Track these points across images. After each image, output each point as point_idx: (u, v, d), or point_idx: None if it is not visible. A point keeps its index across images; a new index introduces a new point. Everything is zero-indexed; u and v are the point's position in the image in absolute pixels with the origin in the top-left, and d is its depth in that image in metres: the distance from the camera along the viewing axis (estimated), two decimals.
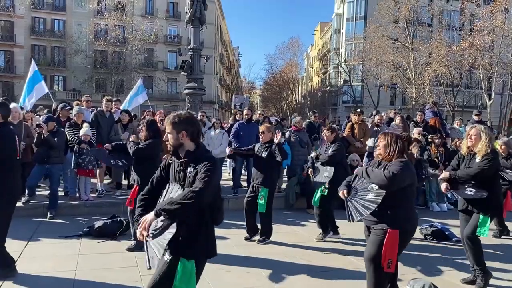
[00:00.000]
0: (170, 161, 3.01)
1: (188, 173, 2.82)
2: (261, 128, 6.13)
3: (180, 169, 2.88)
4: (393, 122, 10.48)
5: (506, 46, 32.32)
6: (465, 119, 13.57)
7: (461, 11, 36.86)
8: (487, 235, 4.53)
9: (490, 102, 31.11)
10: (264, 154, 5.91)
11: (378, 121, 9.94)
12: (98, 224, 6.13)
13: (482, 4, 33.10)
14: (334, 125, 7.53)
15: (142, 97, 12.82)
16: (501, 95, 36.13)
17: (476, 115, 11.69)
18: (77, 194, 7.72)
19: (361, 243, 6.01)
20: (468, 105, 40.39)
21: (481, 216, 4.41)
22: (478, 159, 4.45)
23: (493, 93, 32.37)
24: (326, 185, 6.11)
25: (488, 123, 20.65)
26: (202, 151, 2.94)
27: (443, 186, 4.71)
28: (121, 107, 10.30)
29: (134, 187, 5.36)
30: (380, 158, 3.73)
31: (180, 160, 2.89)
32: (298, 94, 68.86)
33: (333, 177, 6.02)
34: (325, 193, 6.14)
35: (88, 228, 6.19)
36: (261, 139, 6.08)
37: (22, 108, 8.53)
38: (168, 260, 2.77)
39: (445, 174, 4.74)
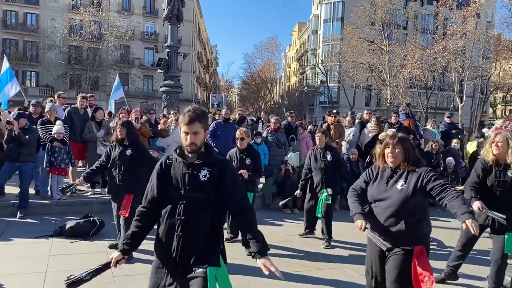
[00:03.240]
0: (169, 163, 2.61)
1: (201, 177, 2.48)
2: (240, 134, 5.87)
3: (189, 173, 2.50)
4: (368, 124, 10.63)
5: (477, 50, 33.28)
6: (438, 121, 13.88)
7: (435, 15, 37.70)
8: None
9: (462, 104, 31.96)
10: (248, 161, 5.79)
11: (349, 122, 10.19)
12: (70, 224, 6.00)
13: (455, 9, 33.89)
14: (325, 129, 7.59)
15: (118, 94, 12.61)
16: (472, 97, 37.20)
17: (447, 117, 11.98)
18: (49, 193, 7.53)
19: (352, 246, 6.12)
20: (440, 107, 41.37)
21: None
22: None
23: (464, 96, 33.27)
24: (329, 192, 6.09)
25: (459, 125, 21.22)
26: (214, 152, 2.63)
27: (476, 205, 3.86)
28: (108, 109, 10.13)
29: (128, 195, 5.09)
30: (393, 165, 3.19)
31: (192, 162, 2.51)
32: (275, 94, 69.03)
33: (334, 184, 6.19)
34: (329, 201, 6.12)
35: (59, 228, 6.05)
36: (238, 145, 5.86)
37: None
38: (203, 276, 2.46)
39: (477, 205, 3.87)
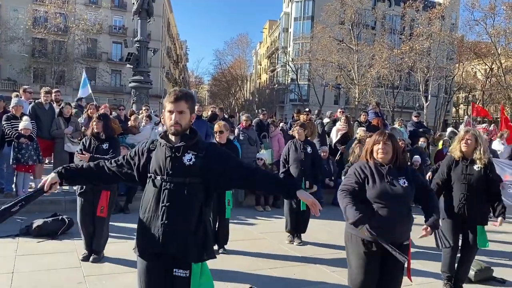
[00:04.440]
0: (152, 147, 2.48)
1: (186, 161, 2.37)
2: (219, 127, 5.49)
3: (171, 156, 2.38)
4: (338, 122, 10.81)
5: (442, 51, 34.41)
6: (404, 119, 14.26)
7: (402, 16, 38.70)
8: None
9: (427, 103, 33.00)
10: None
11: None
12: (37, 222, 5.81)
13: (421, 11, 34.88)
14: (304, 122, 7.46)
15: (85, 91, 12.21)
16: (436, 97, 38.44)
17: (415, 116, 12.32)
18: (14, 191, 7.28)
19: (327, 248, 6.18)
20: (406, 106, 42.54)
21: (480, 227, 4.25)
22: (479, 167, 4.20)
23: (429, 95, 34.33)
24: (307, 185, 6.05)
25: (424, 123, 21.84)
26: (199, 136, 2.50)
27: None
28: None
29: (105, 192, 4.83)
30: (384, 161, 3.19)
31: (176, 145, 2.40)
32: (246, 91, 69.01)
33: (312, 177, 6.15)
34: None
35: (26, 227, 5.86)
36: (217, 139, 5.48)
37: None
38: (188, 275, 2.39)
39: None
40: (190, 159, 2.37)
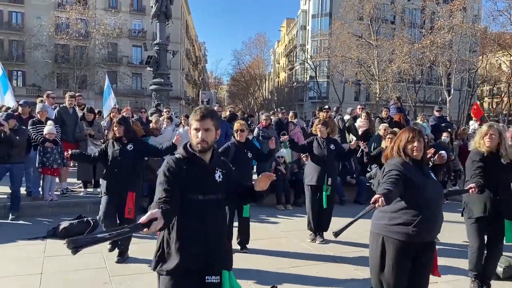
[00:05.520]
0: (182, 165, 2.42)
1: (217, 177, 2.47)
2: (240, 126, 5.54)
3: (207, 174, 2.45)
4: (358, 119, 10.71)
5: (464, 44, 33.64)
6: (426, 114, 14.03)
7: (422, 9, 38.00)
8: None
9: (450, 98, 32.32)
10: (250, 155, 5.55)
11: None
12: (63, 224, 5.96)
13: (442, 3, 34.21)
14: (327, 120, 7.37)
15: (113, 100, 12.62)
16: (459, 91, 37.61)
17: (437, 111, 12.11)
18: (40, 194, 7.47)
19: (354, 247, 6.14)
20: (429, 100, 41.73)
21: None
22: (505, 161, 4.15)
23: (452, 89, 33.65)
24: (329, 183, 6.02)
25: (447, 118, 21.46)
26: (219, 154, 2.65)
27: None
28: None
29: (131, 194, 4.90)
30: (418, 158, 3.14)
31: (210, 164, 2.49)
32: (265, 90, 69.02)
33: (334, 175, 6.12)
34: (329, 192, 6.04)
35: (53, 229, 6.00)
36: (237, 138, 5.51)
37: None
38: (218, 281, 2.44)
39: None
40: (220, 176, 2.48)
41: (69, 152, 5.28)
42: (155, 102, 15.49)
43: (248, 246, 5.59)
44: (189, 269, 2.41)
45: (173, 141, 5.22)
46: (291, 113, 11.23)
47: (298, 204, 8.47)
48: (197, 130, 2.42)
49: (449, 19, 32.24)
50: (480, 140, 4.27)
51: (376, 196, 2.69)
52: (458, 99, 37.21)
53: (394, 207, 3.03)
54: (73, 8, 35.44)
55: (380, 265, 3.12)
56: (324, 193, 6.03)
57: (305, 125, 12.67)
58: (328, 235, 6.14)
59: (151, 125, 9.26)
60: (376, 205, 2.67)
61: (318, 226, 6.16)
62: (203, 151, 2.44)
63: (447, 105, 31.68)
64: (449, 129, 10.98)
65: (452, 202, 7.81)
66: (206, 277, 2.42)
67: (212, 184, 2.44)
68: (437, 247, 3.28)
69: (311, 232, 6.24)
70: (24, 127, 7.24)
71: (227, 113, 11.15)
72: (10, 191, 6.95)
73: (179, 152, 2.52)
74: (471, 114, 14.24)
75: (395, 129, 7.07)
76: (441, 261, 4.63)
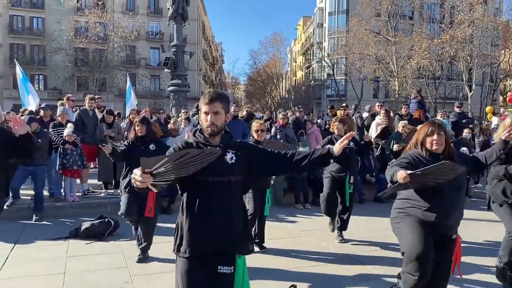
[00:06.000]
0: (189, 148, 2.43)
1: (228, 160, 2.45)
2: (259, 126, 5.51)
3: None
4: (377, 116, 10.58)
5: (486, 38, 32.92)
6: (447, 111, 13.77)
7: (442, 4, 37.35)
8: None
9: (471, 93, 31.67)
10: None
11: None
12: (85, 225, 6.06)
13: None
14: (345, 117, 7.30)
15: (135, 100, 12.96)
16: (481, 86, 36.80)
17: (457, 106, 11.88)
18: (62, 195, 7.62)
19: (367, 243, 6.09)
20: (449, 96, 40.99)
21: None
22: None
23: (473, 85, 32.96)
24: (351, 181, 5.94)
25: (469, 114, 21.05)
26: (233, 136, 2.64)
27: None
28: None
29: (151, 193, 4.82)
30: (438, 152, 3.18)
31: (218, 145, 2.46)
32: (282, 89, 68.85)
33: (353, 171, 6.03)
34: (351, 190, 5.96)
35: (75, 229, 6.11)
36: (256, 138, 5.47)
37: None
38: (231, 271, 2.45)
39: None
40: (232, 158, 2.45)
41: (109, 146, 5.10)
42: (173, 103, 15.63)
43: (266, 245, 5.59)
44: (200, 252, 2.44)
45: (186, 138, 5.24)
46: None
47: (317, 203, 8.38)
48: (206, 113, 2.44)
49: (470, 13, 31.60)
50: (503, 133, 4.19)
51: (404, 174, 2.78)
52: (480, 95, 36.41)
53: (408, 194, 3.20)
54: (91, 12, 36.03)
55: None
56: (346, 190, 5.94)
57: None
58: (347, 234, 6.10)
59: (169, 126, 9.35)
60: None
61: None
62: (212, 134, 2.45)
63: (469, 100, 31.04)
64: (470, 125, 10.77)
65: (477, 200, 7.68)
66: (219, 267, 2.43)
67: (221, 166, 2.41)
68: (462, 245, 3.27)
69: (330, 221, 6.16)
70: (45, 130, 7.40)
71: (244, 112, 11.14)
72: (33, 193, 7.11)
73: (189, 139, 2.57)
74: (507, 100, 13.89)
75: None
76: (464, 259, 4.55)
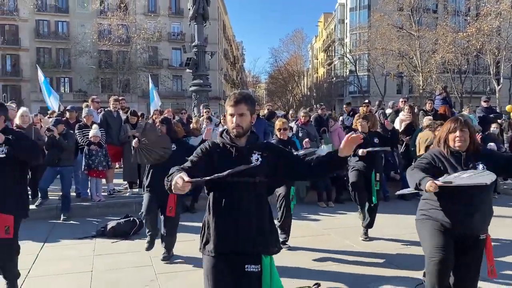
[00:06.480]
0: (216, 148, 2.51)
1: (254, 160, 2.46)
2: (283, 125, 5.56)
3: (240, 157, 2.45)
4: (401, 112, 10.40)
5: None
6: (474, 106, 13.45)
7: None
8: None
9: (499, 87, 30.81)
10: (301, 153, 5.39)
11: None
12: (111, 224, 6.18)
13: None
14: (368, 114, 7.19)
15: (158, 101, 13.20)
16: (510, 79, 35.73)
17: (484, 101, 11.56)
18: (89, 195, 7.79)
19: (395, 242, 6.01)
20: (476, 91, 39.97)
21: None
22: None
23: (501, 78, 32.04)
24: (377, 178, 5.87)
25: (497, 109, 20.49)
26: (259, 137, 2.66)
27: None
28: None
29: (173, 194, 4.96)
30: (462, 149, 3.09)
31: (243, 146, 2.49)
32: (303, 87, 68.60)
33: (381, 169, 5.99)
34: (378, 187, 5.87)
35: (101, 228, 6.24)
36: (279, 136, 5.54)
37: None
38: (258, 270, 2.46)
39: None
40: (257, 159, 2.47)
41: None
42: (195, 103, 15.74)
43: (290, 243, 5.57)
44: (226, 251, 2.46)
45: (204, 136, 5.31)
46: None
47: (340, 201, 8.36)
48: (232, 115, 2.46)
49: (497, 4, 30.71)
50: None
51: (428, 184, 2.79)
52: (509, 88, 35.38)
53: (428, 195, 3.14)
54: (114, 15, 36.66)
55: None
56: (373, 187, 5.84)
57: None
58: (372, 232, 6.03)
59: (191, 125, 9.43)
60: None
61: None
62: (238, 136, 2.47)
63: (496, 95, 30.20)
64: (498, 120, 10.47)
65: (504, 196, 7.46)
66: (246, 266, 2.44)
67: (235, 166, 2.36)
68: (492, 243, 3.18)
69: (359, 210, 6.03)
70: (71, 132, 7.57)
71: (265, 111, 11.11)
72: (61, 193, 7.29)
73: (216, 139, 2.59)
74: None
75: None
76: (498, 259, 4.44)
